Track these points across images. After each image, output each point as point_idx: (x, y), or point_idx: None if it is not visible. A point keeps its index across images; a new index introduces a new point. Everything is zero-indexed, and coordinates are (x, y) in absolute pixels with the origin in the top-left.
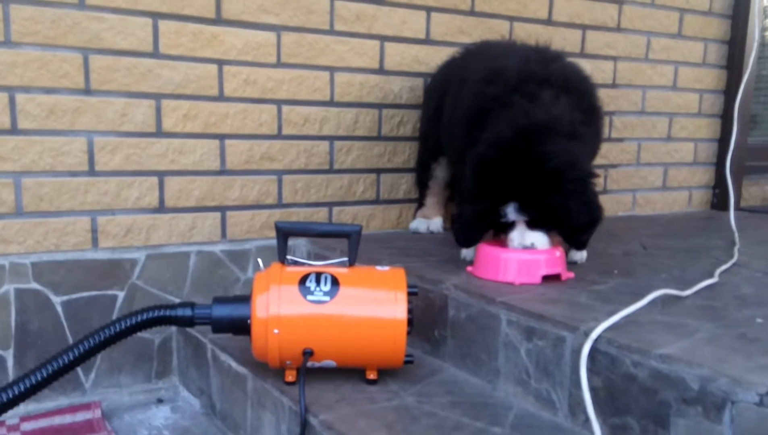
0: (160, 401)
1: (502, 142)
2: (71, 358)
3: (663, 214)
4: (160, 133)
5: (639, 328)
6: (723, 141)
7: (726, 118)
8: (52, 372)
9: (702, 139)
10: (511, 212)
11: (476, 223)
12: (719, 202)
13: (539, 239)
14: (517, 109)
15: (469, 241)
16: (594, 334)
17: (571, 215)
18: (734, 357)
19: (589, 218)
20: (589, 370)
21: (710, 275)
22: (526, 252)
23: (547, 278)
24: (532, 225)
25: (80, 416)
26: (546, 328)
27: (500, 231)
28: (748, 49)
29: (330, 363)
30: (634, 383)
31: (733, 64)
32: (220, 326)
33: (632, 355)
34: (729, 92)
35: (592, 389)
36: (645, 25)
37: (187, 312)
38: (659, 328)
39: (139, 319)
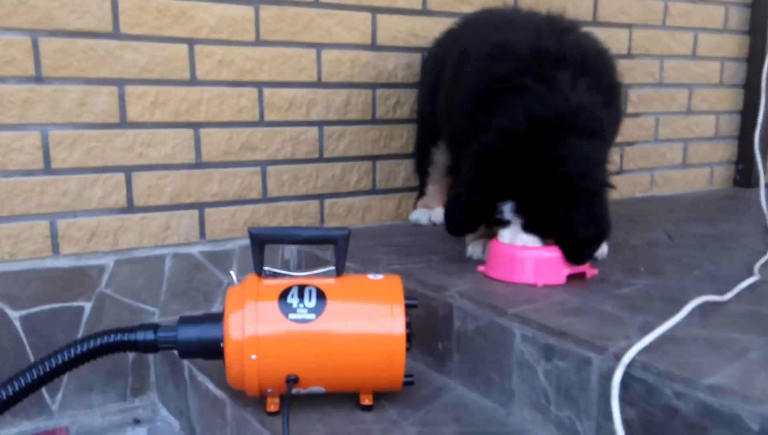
0: (137, 422)
1: (514, 134)
2: (3, 397)
3: (683, 193)
4: (124, 123)
5: (678, 348)
6: (746, 112)
7: (749, 87)
8: None
9: (724, 112)
10: (507, 211)
11: (469, 213)
12: (742, 178)
13: (531, 242)
14: (532, 95)
15: (462, 230)
16: (626, 358)
17: (574, 227)
18: None
19: (594, 233)
20: (622, 400)
21: (749, 271)
22: (548, 249)
23: (570, 277)
24: (527, 228)
25: None
26: (568, 346)
27: (492, 225)
28: None
29: (318, 389)
30: (677, 418)
31: (757, 29)
32: (187, 351)
33: (674, 384)
34: (752, 60)
35: (626, 422)
36: None
37: (149, 335)
38: (702, 346)
39: (88, 346)
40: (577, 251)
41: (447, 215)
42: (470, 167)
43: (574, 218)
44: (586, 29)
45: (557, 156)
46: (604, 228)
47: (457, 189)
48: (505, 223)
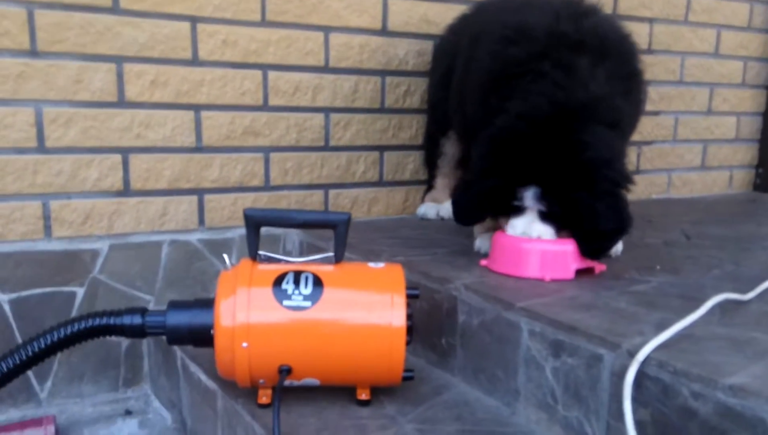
0: (128, 413)
1: (535, 118)
2: None
3: (701, 196)
4: (122, 102)
5: (697, 346)
6: None
7: None
8: None
9: (745, 113)
10: (528, 197)
11: (483, 200)
12: (763, 182)
13: (546, 233)
14: (550, 81)
15: (470, 219)
16: (641, 355)
17: (596, 218)
18: None
19: (616, 225)
20: (635, 400)
21: None
22: (555, 242)
23: (579, 272)
24: (545, 217)
25: (29, 434)
26: (578, 342)
27: (502, 214)
28: None
29: (312, 381)
30: (695, 420)
31: None
32: (176, 337)
33: (692, 383)
34: None
35: (638, 424)
36: None
37: (137, 320)
38: (722, 345)
39: (72, 330)
40: (595, 244)
41: (456, 203)
42: (485, 151)
43: (596, 208)
44: (606, 14)
45: (582, 141)
46: (626, 221)
47: (466, 176)
48: (520, 212)
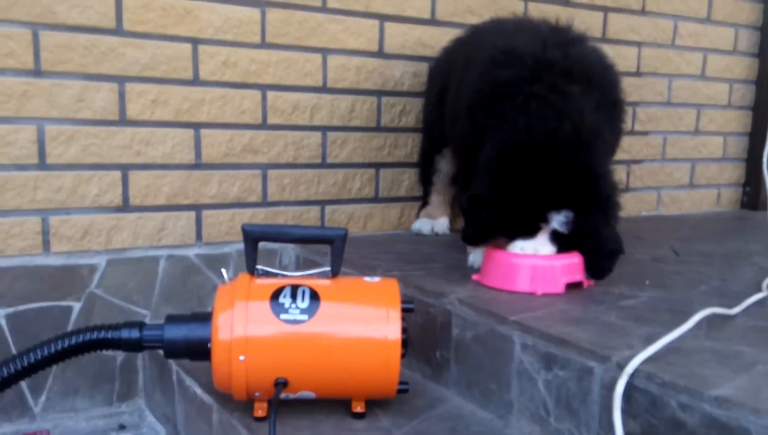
0: (122, 428)
1: (555, 142)
2: None
3: (690, 214)
4: (124, 121)
5: (684, 359)
6: (754, 135)
7: (757, 110)
8: None
9: (732, 133)
10: (558, 221)
11: (505, 221)
12: (750, 201)
13: (552, 252)
14: (551, 105)
15: (485, 239)
16: (630, 368)
17: (601, 241)
18: None
19: (615, 247)
20: (624, 412)
21: (757, 288)
22: (546, 257)
23: (568, 287)
24: (555, 239)
25: None
26: (569, 355)
27: (517, 236)
28: None
29: (308, 394)
30: (683, 431)
31: (766, 51)
32: (173, 350)
33: (679, 395)
34: (761, 82)
35: None
36: (671, 8)
37: (134, 333)
38: (709, 358)
39: (70, 342)
40: (601, 263)
41: (472, 224)
42: (495, 170)
43: (603, 232)
44: (593, 43)
45: (600, 174)
46: (621, 243)
47: (476, 193)
48: (531, 233)
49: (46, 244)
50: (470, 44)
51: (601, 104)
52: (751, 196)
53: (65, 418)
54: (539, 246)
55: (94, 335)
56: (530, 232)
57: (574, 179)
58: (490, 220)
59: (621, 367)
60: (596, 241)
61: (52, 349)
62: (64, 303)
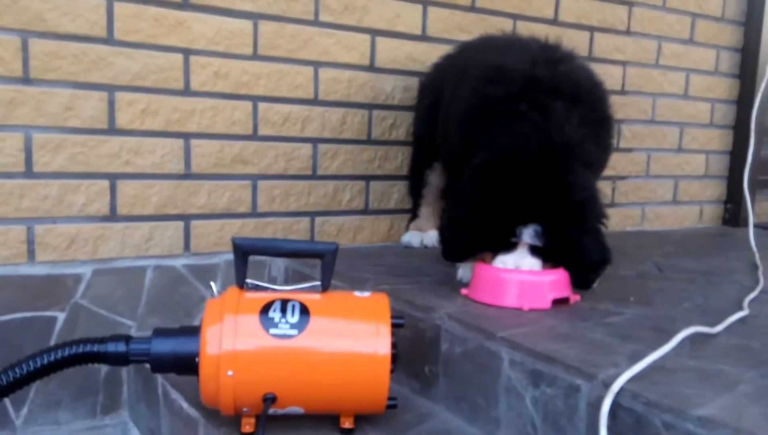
0: None
1: (521, 156)
2: None
3: (673, 229)
4: (113, 130)
5: (668, 378)
6: (735, 153)
7: (738, 129)
8: None
9: (713, 151)
10: (525, 234)
11: (477, 238)
12: (731, 217)
13: (536, 266)
14: (530, 122)
15: (462, 256)
16: (615, 386)
17: (584, 252)
18: None
19: (601, 257)
20: (610, 429)
21: (739, 306)
22: (534, 273)
23: (555, 302)
24: (537, 252)
25: None
26: (556, 372)
27: (494, 250)
28: (763, 58)
29: (296, 410)
30: None
31: (746, 73)
32: (160, 365)
33: (663, 414)
34: (742, 102)
35: None
36: (656, 29)
37: (121, 347)
38: (692, 377)
39: (55, 357)
40: (584, 275)
41: (448, 241)
42: (474, 187)
43: (584, 243)
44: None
45: (569, 180)
46: (608, 253)
47: (451, 211)
48: (511, 247)
49: (30, 254)
50: (461, 60)
51: (587, 120)
52: (732, 212)
53: (47, 431)
54: (519, 260)
55: (80, 349)
56: (508, 247)
57: (541, 193)
58: (467, 239)
59: (607, 385)
60: (577, 252)
61: (37, 364)
62: (48, 313)
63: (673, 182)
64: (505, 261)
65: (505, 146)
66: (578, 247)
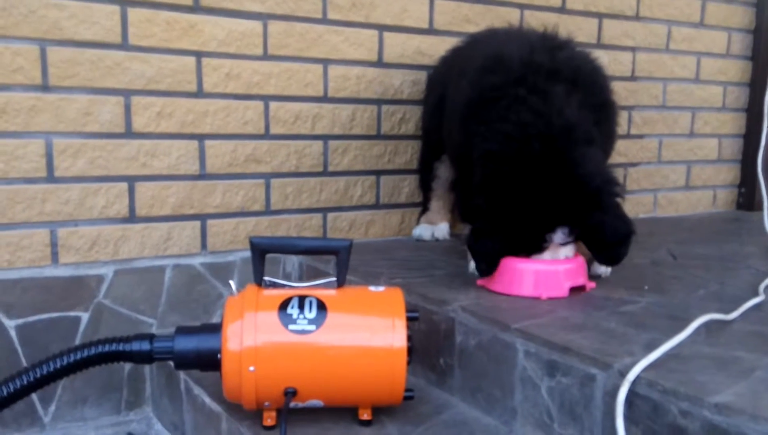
0: None
1: (528, 156)
2: None
3: (687, 215)
4: (130, 133)
5: (684, 366)
6: (748, 137)
7: (751, 112)
8: None
9: (726, 135)
10: (558, 238)
11: (510, 247)
12: (745, 201)
13: (570, 252)
14: (527, 107)
15: (495, 268)
16: (631, 375)
17: (608, 230)
18: None
19: (626, 230)
20: (627, 418)
21: (754, 291)
22: (549, 262)
23: (572, 290)
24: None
25: None
26: (572, 362)
27: (525, 255)
28: None
29: (316, 403)
30: None
31: (759, 54)
32: (183, 362)
33: (680, 402)
34: (754, 85)
35: None
36: (665, 14)
37: (145, 345)
38: (708, 364)
39: (81, 355)
40: (614, 252)
41: (481, 254)
42: (490, 199)
43: (608, 222)
44: (588, 50)
45: (584, 174)
46: (631, 224)
47: (475, 222)
48: (542, 249)
49: (54, 256)
50: (466, 53)
51: (587, 104)
52: (746, 196)
53: (74, 427)
54: (554, 255)
55: (105, 348)
56: (540, 250)
57: (553, 186)
58: (498, 250)
59: (623, 374)
60: (603, 232)
61: (65, 362)
62: (72, 313)
63: (686, 167)
64: (541, 259)
65: (505, 133)
66: (603, 228)
